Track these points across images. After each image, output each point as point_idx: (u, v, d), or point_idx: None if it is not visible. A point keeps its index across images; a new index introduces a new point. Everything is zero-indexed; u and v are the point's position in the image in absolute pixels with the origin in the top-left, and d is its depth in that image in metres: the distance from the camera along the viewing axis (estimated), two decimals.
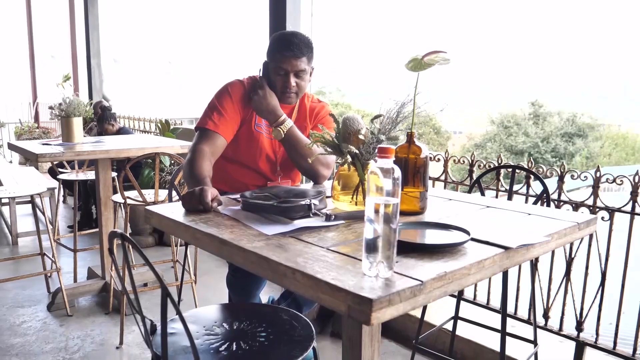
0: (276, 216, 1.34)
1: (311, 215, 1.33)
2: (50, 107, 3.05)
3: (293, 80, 1.87)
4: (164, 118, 4.72)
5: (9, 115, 7.38)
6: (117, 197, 2.77)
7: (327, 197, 1.58)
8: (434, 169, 2.90)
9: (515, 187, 2.35)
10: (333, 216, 1.33)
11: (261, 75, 1.93)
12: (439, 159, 2.85)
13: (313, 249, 1.13)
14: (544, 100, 30.17)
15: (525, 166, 2.36)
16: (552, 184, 2.40)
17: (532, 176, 2.36)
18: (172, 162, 3.99)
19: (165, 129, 4.36)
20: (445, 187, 2.83)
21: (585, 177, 2.29)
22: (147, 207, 1.53)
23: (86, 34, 6.04)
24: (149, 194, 2.90)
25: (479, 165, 2.65)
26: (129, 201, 2.72)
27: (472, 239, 1.16)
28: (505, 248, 1.12)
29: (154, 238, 4.22)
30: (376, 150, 1.46)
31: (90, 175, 3.75)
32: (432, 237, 1.22)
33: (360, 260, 1.02)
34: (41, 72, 8.05)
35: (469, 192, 2.39)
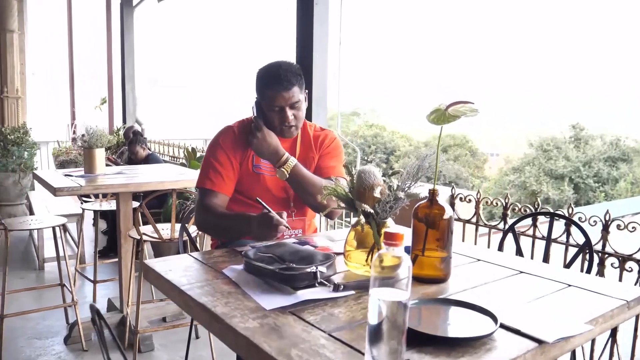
0: (279, 283, 1.20)
1: (317, 284, 1.18)
2: (74, 139, 3.00)
3: (290, 114, 1.77)
4: (190, 146, 4.67)
5: (50, 134, 7.48)
6: (134, 233, 2.68)
7: (339, 253, 1.43)
8: (465, 210, 2.71)
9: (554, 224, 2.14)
10: (342, 286, 1.18)
11: (255, 115, 1.82)
12: (470, 200, 2.66)
13: (313, 333, 0.98)
14: (586, 123, 29.25)
15: (565, 213, 2.15)
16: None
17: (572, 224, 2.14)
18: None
19: (192, 157, 4.31)
20: (476, 231, 2.63)
21: (633, 227, 2.07)
22: (145, 262, 1.41)
23: (122, 59, 6.12)
24: (166, 229, 2.80)
25: (514, 209, 2.45)
26: (145, 237, 2.62)
27: (501, 326, 0.99)
28: (540, 342, 0.94)
29: None
30: (394, 209, 1.31)
31: (113, 204, 3.70)
32: (453, 323, 1.04)
33: (364, 354, 0.86)
34: (80, 93, 8.23)
35: (503, 239, 2.20)
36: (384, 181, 1.35)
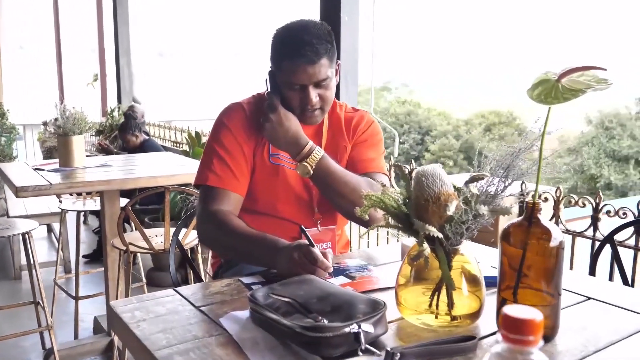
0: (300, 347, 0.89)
1: (360, 352, 0.87)
2: (44, 123, 2.73)
3: (314, 94, 1.45)
4: (194, 129, 4.39)
5: (36, 116, 7.32)
6: (119, 242, 2.41)
7: (390, 287, 1.12)
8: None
9: None
10: (397, 355, 0.86)
11: (269, 90, 1.51)
12: (546, 199, 2.31)
13: None
14: None
15: None
16: None
17: None
18: None
19: (195, 143, 4.02)
20: None
21: None
22: (112, 305, 1.12)
23: (115, 30, 5.86)
24: (160, 236, 2.52)
25: (609, 212, 2.09)
26: (132, 248, 2.35)
27: None
28: None
29: (180, 275, 3.88)
30: (471, 230, 0.99)
31: (99, 203, 3.45)
32: None
33: None
34: (70, 69, 8.02)
35: (597, 253, 1.85)
36: (455, 188, 1.03)
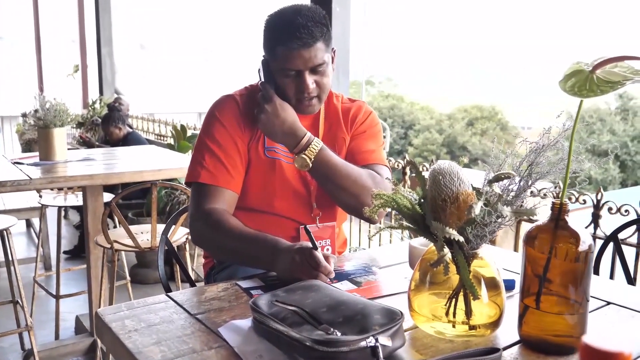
0: None
1: None
2: (24, 115, 2.61)
3: (310, 80, 1.37)
4: (179, 122, 4.28)
5: (15, 108, 7.13)
6: (103, 240, 2.31)
7: (399, 292, 1.05)
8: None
9: None
10: None
11: (263, 80, 1.42)
12: (545, 195, 2.25)
13: None
14: (635, 92, 28.50)
15: None
16: None
17: None
18: None
19: (181, 137, 3.91)
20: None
21: None
22: (99, 313, 1.03)
23: (96, 17, 5.71)
24: (146, 233, 2.42)
25: (610, 209, 2.04)
26: (117, 246, 2.25)
27: None
28: None
29: (165, 273, 3.79)
30: (492, 233, 0.92)
31: (81, 198, 3.33)
32: None
33: None
34: (50, 59, 7.82)
35: (601, 252, 1.80)
36: (474, 188, 0.96)
